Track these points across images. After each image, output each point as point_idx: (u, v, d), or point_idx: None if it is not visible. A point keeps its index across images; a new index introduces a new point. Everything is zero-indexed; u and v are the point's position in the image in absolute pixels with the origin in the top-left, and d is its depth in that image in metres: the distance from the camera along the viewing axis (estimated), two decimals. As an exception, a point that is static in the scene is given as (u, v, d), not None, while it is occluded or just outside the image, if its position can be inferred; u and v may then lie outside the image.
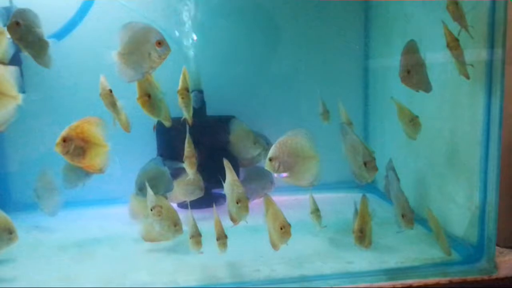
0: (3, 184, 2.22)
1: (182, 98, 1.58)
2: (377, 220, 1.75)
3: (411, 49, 1.55)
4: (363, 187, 1.56)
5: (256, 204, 1.79)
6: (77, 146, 1.41)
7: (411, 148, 1.86)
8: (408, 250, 1.67)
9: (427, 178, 1.91)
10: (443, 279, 1.48)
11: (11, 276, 1.57)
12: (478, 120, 1.57)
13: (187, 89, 1.58)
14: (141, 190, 1.81)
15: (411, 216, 1.57)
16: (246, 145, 2.02)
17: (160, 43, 1.39)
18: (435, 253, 1.62)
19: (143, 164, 1.87)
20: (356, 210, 1.66)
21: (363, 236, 1.57)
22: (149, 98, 1.50)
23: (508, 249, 1.60)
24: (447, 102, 1.78)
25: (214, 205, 1.57)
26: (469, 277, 1.49)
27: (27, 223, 2.02)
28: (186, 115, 1.62)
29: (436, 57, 1.66)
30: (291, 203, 1.88)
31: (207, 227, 1.55)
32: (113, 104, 1.48)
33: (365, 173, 1.40)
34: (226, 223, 1.50)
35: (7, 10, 1.95)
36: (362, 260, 1.59)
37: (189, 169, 1.65)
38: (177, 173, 1.88)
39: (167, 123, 1.76)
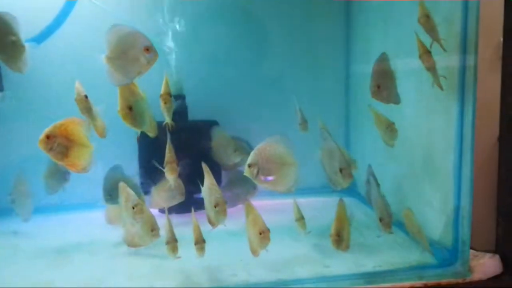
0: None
1: (165, 103, 1.60)
2: (356, 224, 1.80)
3: (381, 64, 1.61)
4: (341, 191, 1.58)
5: (239, 209, 1.81)
6: (60, 144, 1.40)
7: (390, 154, 1.89)
8: (386, 254, 1.70)
9: (405, 183, 1.95)
10: (418, 282, 1.51)
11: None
12: (452, 126, 1.61)
13: (169, 94, 1.60)
14: (108, 198, 1.82)
15: (389, 220, 1.61)
16: (227, 152, 2.04)
17: (148, 49, 1.41)
18: (411, 257, 1.66)
19: (107, 172, 1.87)
20: (337, 213, 1.67)
21: (340, 240, 1.60)
22: (131, 111, 1.49)
23: (482, 253, 1.65)
24: (423, 108, 1.83)
25: (192, 210, 1.58)
26: (444, 281, 1.53)
27: (5, 228, 2.01)
28: (167, 119, 1.64)
29: (414, 63, 1.71)
30: (273, 207, 1.90)
31: (188, 232, 1.55)
32: (88, 110, 1.48)
33: (340, 179, 1.43)
34: (207, 227, 1.51)
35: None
36: (339, 264, 1.61)
37: (170, 174, 1.65)
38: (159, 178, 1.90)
39: (151, 134, 1.74)
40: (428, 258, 1.63)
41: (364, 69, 2.43)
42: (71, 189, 2.04)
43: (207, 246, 1.51)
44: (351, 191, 2.34)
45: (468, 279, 1.55)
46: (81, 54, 2.17)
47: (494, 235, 1.69)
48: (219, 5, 2.35)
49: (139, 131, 1.65)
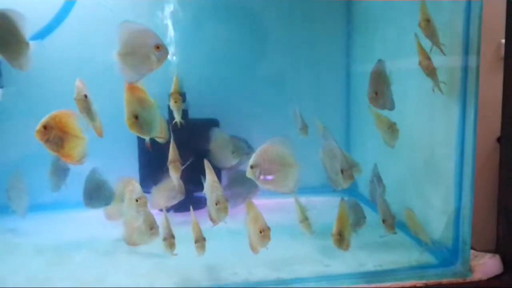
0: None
1: (175, 101, 1.63)
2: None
3: (378, 70, 1.65)
4: (341, 191, 1.59)
5: (241, 208, 1.80)
6: (56, 135, 1.41)
7: (391, 154, 1.90)
8: (386, 253, 1.71)
9: (406, 183, 1.96)
10: (419, 282, 1.52)
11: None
12: (454, 126, 1.63)
13: (179, 93, 1.63)
14: (88, 202, 1.84)
15: (392, 222, 1.62)
16: (225, 154, 2.04)
17: (158, 47, 1.40)
18: (412, 257, 1.67)
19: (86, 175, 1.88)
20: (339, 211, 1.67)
21: (341, 239, 1.61)
22: (137, 119, 1.47)
23: (483, 253, 1.66)
24: (425, 108, 1.84)
25: (191, 208, 1.58)
26: (445, 280, 1.54)
27: (2, 225, 2.01)
28: (177, 118, 1.66)
29: (416, 63, 1.72)
30: (273, 206, 1.91)
31: (188, 230, 1.55)
32: (87, 109, 1.48)
33: (341, 180, 1.44)
34: (206, 226, 1.52)
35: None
36: (340, 263, 1.62)
37: (174, 173, 1.64)
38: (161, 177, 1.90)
39: (161, 140, 1.69)
40: (428, 258, 1.64)
41: (365, 69, 2.44)
42: (69, 186, 2.06)
43: (207, 245, 1.51)
44: (352, 191, 2.35)
45: (468, 279, 1.56)
46: (83, 51, 2.19)
47: (495, 235, 1.70)
48: (219, 3, 2.36)
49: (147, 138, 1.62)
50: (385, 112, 1.73)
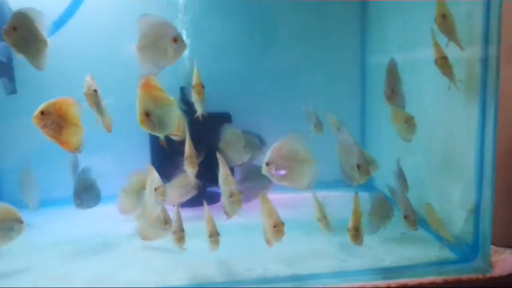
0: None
1: (198, 94, 1.62)
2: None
3: (393, 68, 1.64)
4: (355, 186, 1.57)
5: (255, 203, 1.79)
6: (54, 121, 1.40)
7: (408, 148, 1.87)
8: (404, 249, 1.68)
9: (424, 177, 1.92)
10: (438, 278, 1.50)
11: (2, 273, 1.58)
12: (474, 118, 1.59)
13: (202, 85, 1.62)
14: (79, 203, 1.86)
15: (414, 218, 1.60)
16: (237, 149, 2.02)
17: (176, 39, 1.41)
18: (430, 252, 1.64)
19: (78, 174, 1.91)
20: (354, 206, 1.64)
21: (358, 234, 1.59)
22: (148, 117, 1.46)
23: (503, 248, 1.63)
24: (443, 101, 1.80)
25: (205, 203, 1.57)
26: (464, 276, 1.51)
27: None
28: (199, 110, 1.66)
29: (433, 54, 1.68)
30: (287, 201, 1.89)
31: (200, 225, 1.55)
32: (97, 104, 1.48)
33: (357, 175, 1.42)
34: (220, 221, 1.51)
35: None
36: (357, 259, 1.61)
37: (190, 169, 1.64)
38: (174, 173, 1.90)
39: (176, 138, 1.66)
40: (448, 254, 1.62)
41: (381, 60, 2.40)
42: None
43: (221, 240, 1.50)
44: (367, 185, 2.32)
45: (488, 275, 1.53)
46: (91, 47, 2.20)
47: (516, 230, 1.67)
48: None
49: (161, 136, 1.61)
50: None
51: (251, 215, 1.59)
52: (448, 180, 1.78)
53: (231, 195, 1.43)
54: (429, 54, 1.66)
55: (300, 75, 2.48)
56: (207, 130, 2.13)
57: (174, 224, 1.55)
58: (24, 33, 1.39)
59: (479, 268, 1.55)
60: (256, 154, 2.12)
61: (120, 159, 2.17)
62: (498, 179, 1.57)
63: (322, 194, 1.72)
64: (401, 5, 2.12)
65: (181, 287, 1.48)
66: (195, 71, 1.61)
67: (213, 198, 2.25)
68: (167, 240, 1.69)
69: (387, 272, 1.53)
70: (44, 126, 1.39)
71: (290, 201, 1.97)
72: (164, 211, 1.64)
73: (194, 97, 1.62)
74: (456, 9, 1.53)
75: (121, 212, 1.94)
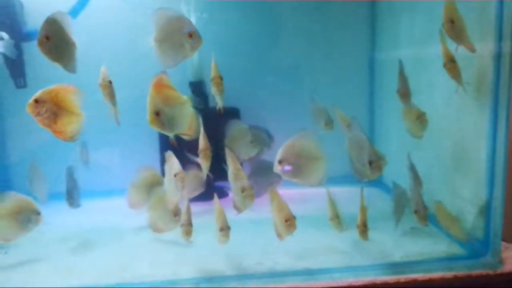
0: (3, 175, 2.25)
1: (217, 86, 1.62)
2: (381, 215, 1.79)
3: (402, 69, 1.66)
4: (366, 182, 1.57)
5: (263, 198, 1.80)
6: (49, 109, 1.39)
7: (418, 144, 1.87)
8: (413, 244, 1.69)
9: (434, 173, 1.92)
10: (448, 274, 1.50)
11: (11, 264, 1.61)
12: (485, 114, 1.59)
13: (220, 77, 1.62)
14: (72, 202, 1.91)
15: (424, 213, 1.61)
16: (243, 144, 2.01)
17: (191, 34, 1.42)
18: (440, 248, 1.65)
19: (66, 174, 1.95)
20: (362, 197, 1.66)
21: (366, 230, 1.60)
22: (158, 116, 1.47)
23: (513, 245, 1.63)
24: (454, 97, 1.79)
25: (215, 196, 1.58)
26: (474, 272, 1.52)
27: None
28: (220, 103, 1.66)
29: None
30: (296, 196, 1.90)
31: (210, 220, 1.55)
32: (111, 96, 1.49)
33: (368, 171, 1.43)
34: (229, 215, 1.52)
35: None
36: (366, 254, 1.62)
37: (204, 162, 1.60)
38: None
39: (187, 137, 1.64)
40: (457, 249, 1.63)
41: (390, 55, 2.40)
42: (90, 175, 2.09)
43: (230, 234, 1.51)
44: (376, 181, 2.33)
45: (499, 271, 1.54)
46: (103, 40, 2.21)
47: (527, 227, 1.67)
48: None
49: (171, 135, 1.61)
50: (414, 99, 1.70)
51: (260, 210, 1.61)
52: (458, 176, 1.78)
53: (243, 190, 1.44)
54: (440, 50, 1.66)
55: (309, 71, 2.48)
56: (215, 125, 2.15)
57: (183, 217, 1.57)
58: (56, 40, 1.40)
59: (489, 264, 1.56)
60: (264, 149, 2.13)
61: (129, 153, 2.20)
62: (510, 175, 1.57)
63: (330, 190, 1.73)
64: (411, 0, 2.12)
65: (190, 280, 1.49)
66: (212, 63, 1.61)
67: (221, 193, 2.27)
68: (178, 233, 1.71)
69: (396, 267, 1.54)
70: (38, 114, 1.38)
71: (299, 196, 1.98)
72: (174, 203, 1.66)
73: (213, 90, 1.62)
74: (467, 5, 1.52)
75: (130, 207, 1.97)
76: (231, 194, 2.17)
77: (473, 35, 1.54)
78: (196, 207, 1.71)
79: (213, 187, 2.18)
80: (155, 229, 1.76)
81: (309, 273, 1.51)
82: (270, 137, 2.18)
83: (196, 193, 2.00)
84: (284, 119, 2.34)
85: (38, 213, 1.65)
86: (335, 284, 1.46)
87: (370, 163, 1.42)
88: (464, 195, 1.75)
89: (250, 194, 1.44)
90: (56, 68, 2.15)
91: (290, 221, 1.42)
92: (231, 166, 1.51)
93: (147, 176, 1.95)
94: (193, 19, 2.17)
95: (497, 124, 1.57)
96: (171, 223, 1.69)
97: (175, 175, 1.49)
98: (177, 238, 1.72)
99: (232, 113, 2.20)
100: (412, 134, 1.75)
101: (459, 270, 1.52)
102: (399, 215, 1.79)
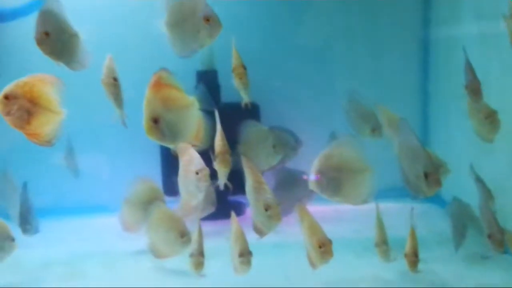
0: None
1: (240, 78, 1.64)
2: (438, 238, 1.82)
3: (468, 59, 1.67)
4: (419, 199, 1.59)
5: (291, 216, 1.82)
6: (22, 107, 1.40)
7: (486, 149, 1.87)
8: (478, 275, 1.69)
9: (506, 187, 1.92)
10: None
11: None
12: None
13: (243, 66, 1.63)
14: (29, 228, 1.94)
15: (500, 238, 1.60)
16: (264, 150, 2.02)
17: (208, 18, 1.44)
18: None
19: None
20: (412, 226, 1.67)
21: (417, 261, 1.60)
22: (156, 124, 1.49)
23: None
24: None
25: (233, 215, 1.61)
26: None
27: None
28: (245, 98, 1.69)
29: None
30: (330, 214, 1.93)
31: (220, 242, 1.60)
32: (116, 96, 1.53)
33: (424, 186, 1.43)
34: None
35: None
36: (417, 285, 1.62)
37: (222, 168, 1.56)
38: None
39: (194, 147, 1.63)
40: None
41: (450, 33, 2.34)
42: (79, 190, 2.17)
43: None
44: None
45: None
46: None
47: None
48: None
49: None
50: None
51: (286, 232, 1.65)
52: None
53: (267, 208, 1.44)
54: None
55: (344, 56, 2.50)
56: (230, 124, 2.19)
57: (193, 245, 1.60)
58: (56, 35, 1.44)
59: None
60: (289, 155, 2.16)
61: (125, 162, 2.28)
62: None
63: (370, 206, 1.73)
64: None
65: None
66: (233, 50, 1.63)
67: (237, 210, 2.31)
68: (183, 258, 1.72)
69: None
70: (8, 114, 1.38)
71: (333, 214, 2.00)
72: (181, 221, 1.71)
73: (235, 83, 1.64)
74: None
75: (124, 229, 2.02)
76: (248, 211, 2.24)
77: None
78: (205, 227, 1.73)
79: (227, 203, 2.24)
80: (157, 254, 1.80)
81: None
82: (296, 140, 2.20)
83: (206, 213, 2.02)
84: (314, 118, 2.37)
85: (12, 240, 1.69)
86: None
87: (426, 175, 1.42)
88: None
89: (276, 213, 1.45)
90: (31, 52, 2.28)
91: (325, 247, 1.44)
92: (250, 178, 1.52)
93: (145, 190, 2.00)
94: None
95: None
96: (176, 246, 1.72)
97: (197, 173, 1.47)
98: (183, 265, 1.75)
99: (249, 110, 2.24)
100: (480, 136, 1.75)
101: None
102: (460, 238, 1.80)
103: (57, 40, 1.45)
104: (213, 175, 1.63)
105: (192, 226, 1.72)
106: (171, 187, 2.16)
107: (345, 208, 1.79)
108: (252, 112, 2.27)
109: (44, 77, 1.46)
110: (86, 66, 1.53)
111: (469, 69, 1.65)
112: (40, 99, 1.44)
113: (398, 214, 1.70)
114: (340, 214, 1.94)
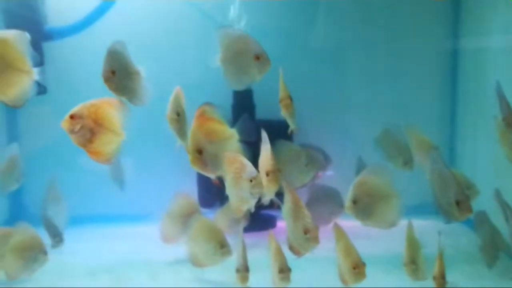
0: (17, 196, 2.47)
1: (287, 109, 1.73)
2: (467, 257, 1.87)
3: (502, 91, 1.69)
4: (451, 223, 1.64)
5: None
6: (85, 126, 1.48)
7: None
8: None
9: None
10: None
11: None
12: None
13: (290, 97, 1.72)
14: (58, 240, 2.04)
15: None
16: (297, 168, 2.07)
17: (259, 57, 1.58)
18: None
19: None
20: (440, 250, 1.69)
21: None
22: (200, 155, 1.59)
23: None
24: None
25: (271, 232, 1.69)
26: None
27: (45, 241, 2.24)
28: (292, 125, 1.79)
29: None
30: (359, 231, 1.99)
31: (254, 255, 1.69)
32: (177, 130, 1.60)
33: (456, 212, 1.53)
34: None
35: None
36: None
37: (272, 186, 1.57)
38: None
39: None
40: None
41: (478, 45, 2.35)
42: (118, 198, 2.29)
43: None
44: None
45: None
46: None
47: None
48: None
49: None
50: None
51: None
52: None
53: (306, 232, 1.53)
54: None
55: (368, 68, 2.55)
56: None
57: (239, 260, 1.68)
58: (121, 73, 1.56)
59: None
60: (318, 173, 2.25)
61: (163, 177, 2.39)
62: None
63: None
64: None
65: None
66: (280, 82, 1.71)
67: (269, 223, 2.41)
68: (223, 269, 1.82)
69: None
70: (72, 132, 1.48)
71: (360, 230, 2.06)
72: (221, 233, 1.80)
73: (283, 112, 1.74)
74: None
75: (164, 240, 2.14)
76: (279, 224, 2.32)
77: None
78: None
79: (259, 216, 2.32)
80: (197, 263, 1.89)
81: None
82: (326, 158, 2.29)
83: (239, 227, 2.10)
84: (340, 135, 2.44)
85: (45, 253, 1.81)
86: None
87: (458, 203, 1.52)
88: None
89: (315, 236, 1.53)
90: (80, 70, 2.39)
91: (359, 269, 1.53)
92: (290, 201, 1.61)
93: (183, 205, 2.12)
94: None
95: None
96: (216, 256, 1.80)
97: (251, 180, 1.51)
98: (221, 274, 1.87)
99: (282, 127, 2.31)
100: (510, 159, 1.75)
101: None
102: (492, 257, 1.83)
103: (121, 78, 1.56)
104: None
105: (231, 239, 1.81)
106: (205, 200, 2.30)
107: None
108: (285, 128, 2.36)
109: (110, 100, 1.56)
110: (146, 102, 1.64)
111: (505, 103, 1.68)
112: (103, 120, 1.53)
113: (425, 231, 1.74)
114: (368, 231, 1.96)
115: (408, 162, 2.01)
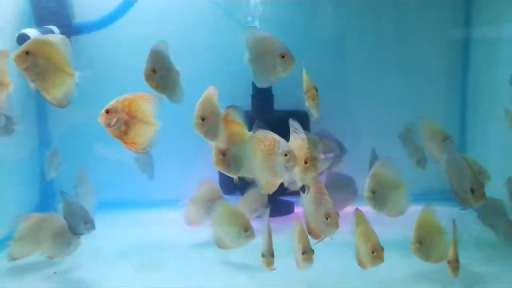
0: (50, 184, 2.56)
1: (313, 99, 1.83)
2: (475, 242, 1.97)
3: None
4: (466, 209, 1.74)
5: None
6: (121, 119, 1.58)
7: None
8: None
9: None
10: None
11: (79, 279, 1.91)
12: None
13: (315, 88, 1.83)
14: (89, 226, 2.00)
15: None
16: None
17: (283, 55, 1.67)
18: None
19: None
20: (454, 231, 1.76)
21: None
22: (224, 156, 1.68)
23: None
24: None
25: (296, 217, 1.76)
26: None
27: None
28: (315, 114, 1.88)
29: None
30: (372, 216, 2.08)
31: (275, 239, 1.75)
32: (203, 134, 1.65)
33: (471, 199, 1.62)
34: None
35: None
36: (460, 284, 1.76)
37: (312, 173, 1.62)
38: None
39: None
40: None
41: (491, 34, 2.37)
42: (146, 185, 2.40)
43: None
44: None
45: None
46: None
47: None
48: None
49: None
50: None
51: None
52: None
53: (327, 216, 1.63)
54: None
55: (377, 61, 2.60)
56: (282, 131, 2.35)
57: (264, 245, 1.76)
58: (162, 72, 1.66)
59: None
60: (335, 162, 2.35)
61: (188, 164, 2.49)
62: None
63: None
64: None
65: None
66: (304, 75, 1.83)
67: (288, 209, 2.50)
68: (248, 252, 1.93)
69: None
70: (108, 125, 1.58)
71: (375, 217, 2.15)
72: (242, 216, 1.91)
73: (308, 103, 1.84)
74: None
75: (188, 223, 2.27)
76: (296, 210, 2.41)
77: None
78: (256, 225, 1.92)
79: (277, 202, 2.42)
80: (222, 246, 1.99)
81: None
82: (341, 148, 2.38)
83: (258, 213, 2.28)
84: (361, 127, 2.52)
85: (78, 237, 1.93)
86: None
87: (473, 190, 1.61)
88: None
89: (335, 221, 1.63)
90: (107, 65, 2.47)
91: (377, 253, 1.62)
92: (313, 189, 1.69)
93: (207, 191, 2.25)
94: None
95: None
96: (240, 240, 1.91)
97: (286, 155, 1.55)
98: (246, 257, 1.99)
99: (300, 118, 2.38)
100: None
101: None
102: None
103: (162, 76, 1.67)
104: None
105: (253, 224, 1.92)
106: (227, 186, 2.39)
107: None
108: (303, 118, 2.44)
109: (141, 94, 1.64)
110: (182, 101, 1.75)
111: None
112: (137, 112, 1.62)
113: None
114: (380, 217, 2.05)
115: (420, 161, 2.13)
